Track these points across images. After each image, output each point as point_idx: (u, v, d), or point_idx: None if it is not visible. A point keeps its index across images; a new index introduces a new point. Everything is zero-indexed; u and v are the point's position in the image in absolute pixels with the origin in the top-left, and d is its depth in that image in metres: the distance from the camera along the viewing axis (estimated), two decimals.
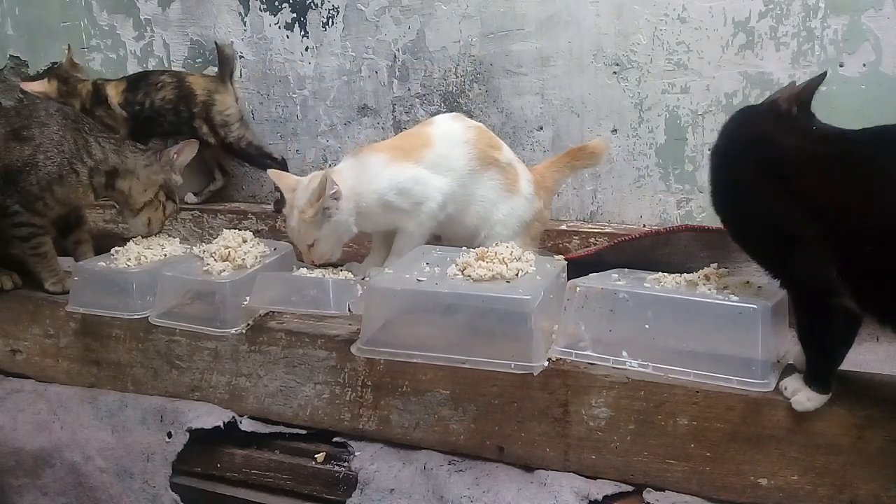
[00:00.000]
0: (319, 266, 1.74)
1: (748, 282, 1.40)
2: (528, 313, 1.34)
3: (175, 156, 1.92)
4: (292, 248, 1.83)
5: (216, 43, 2.28)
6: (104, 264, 1.81)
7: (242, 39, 2.37)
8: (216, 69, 2.30)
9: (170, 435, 1.62)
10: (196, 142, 1.98)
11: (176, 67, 2.44)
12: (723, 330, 1.31)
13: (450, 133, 1.72)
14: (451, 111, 2.14)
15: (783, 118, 1.26)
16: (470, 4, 2.10)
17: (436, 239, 1.77)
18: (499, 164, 1.73)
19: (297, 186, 1.72)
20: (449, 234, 1.78)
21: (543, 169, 1.83)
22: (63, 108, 1.97)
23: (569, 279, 1.50)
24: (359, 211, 1.68)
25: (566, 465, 1.39)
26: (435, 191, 1.67)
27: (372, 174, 1.66)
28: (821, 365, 1.22)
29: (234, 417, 1.62)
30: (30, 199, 1.83)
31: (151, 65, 2.47)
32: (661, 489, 1.33)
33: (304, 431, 1.60)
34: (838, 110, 1.73)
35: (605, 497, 1.34)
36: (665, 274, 1.46)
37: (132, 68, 2.49)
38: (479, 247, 1.60)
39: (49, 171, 1.83)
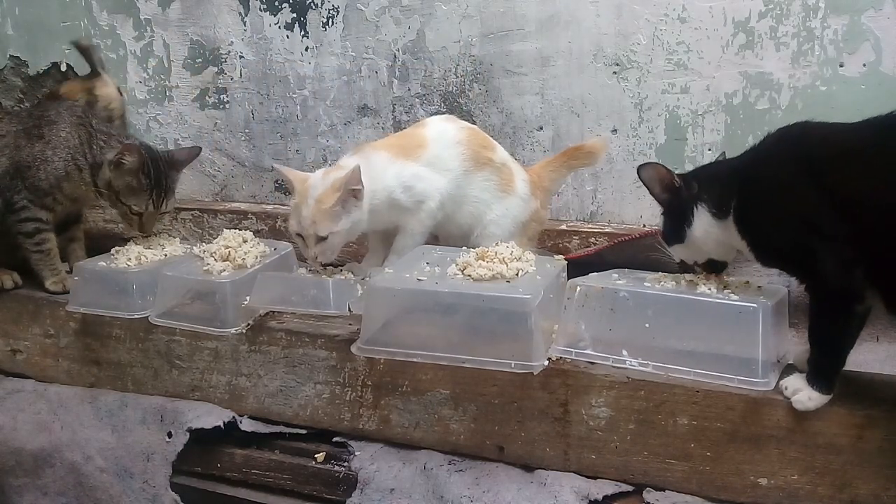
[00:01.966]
0: (323, 265, 1.69)
1: (748, 282, 1.40)
2: (528, 313, 1.34)
3: (113, 160, 1.85)
4: (292, 248, 1.83)
5: (73, 42, 2.29)
6: (104, 264, 1.81)
7: (242, 39, 2.36)
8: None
9: (170, 435, 1.62)
10: (134, 146, 1.87)
11: (175, 67, 2.45)
12: (723, 329, 1.31)
13: (442, 134, 1.72)
14: (451, 111, 2.15)
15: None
16: (470, 4, 2.10)
17: (433, 239, 1.77)
18: (493, 165, 1.73)
19: (307, 178, 1.65)
20: (443, 233, 1.78)
21: (540, 169, 1.83)
22: (72, 106, 1.99)
23: (569, 279, 1.50)
24: (370, 209, 1.66)
25: (566, 464, 1.39)
26: (434, 189, 1.67)
27: (378, 172, 1.65)
28: (830, 366, 1.22)
29: (234, 417, 1.62)
30: (39, 193, 1.87)
31: (151, 65, 2.47)
32: (661, 489, 1.33)
33: (304, 431, 1.60)
34: (838, 110, 1.74)
35: (605, 497, 1.34)
36: (665, 274, 1.46)
37: (132, 68, 2.49)
38: (472, 246, 1.60)
39: (56, 166, 1.86)
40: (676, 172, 1.38)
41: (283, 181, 2.11)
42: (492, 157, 1.73)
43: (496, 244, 1.57)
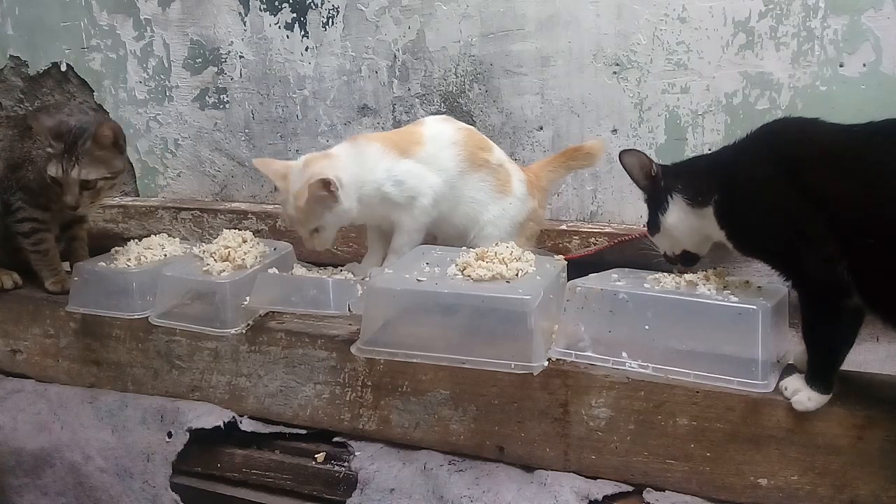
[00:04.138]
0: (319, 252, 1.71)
1: (748, 282, 1.40)
2: (528, 313, 1.34)
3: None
4: (292, 248, 1.83)
5: None
6: (104, 264, 1.81)
7: (242, 39, 2.36)
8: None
9: (170, 435, 1.62)
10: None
11: (175, 67, 2.45)
12: (723, 330, 1.31)
13: (439, 134, 1.72)
14: (451, 111, 2.15)
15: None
16: (470, 4, 2.10)
17: (431, 240, 1.77)
18: (489, 166, 1.73)
19: (287, 172, 1.67)
20: (440, 234, 1.78)
21: (538, 168, 1.83)
22: (62, 107, 1.99)
23: (569, 279, 1.50)
24: (358, 199, 1.66)
25: (566, 465, 1.39)
26: (427, 186, 1.67)
27: (370, 164, 1.66)
28: (825, 365, 1.22)
29: (234, 417, 1.62)
30: (31, 194, 1.87)
31: (151, 65, 2.47)
32: (661, 489, 1.33)
33: (304, 431, 1.60)
34: (838, 110, 1.74)
35: (605, 497, 1.34)
36: (665, 274, 1.46)
37: (132, 68, 2.49)
38: (470, 247, 1.60)
39: (42, 167, 1.84)
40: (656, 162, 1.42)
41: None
42: (488, 158, 1.73)
43: (496, 244, 1.57)
